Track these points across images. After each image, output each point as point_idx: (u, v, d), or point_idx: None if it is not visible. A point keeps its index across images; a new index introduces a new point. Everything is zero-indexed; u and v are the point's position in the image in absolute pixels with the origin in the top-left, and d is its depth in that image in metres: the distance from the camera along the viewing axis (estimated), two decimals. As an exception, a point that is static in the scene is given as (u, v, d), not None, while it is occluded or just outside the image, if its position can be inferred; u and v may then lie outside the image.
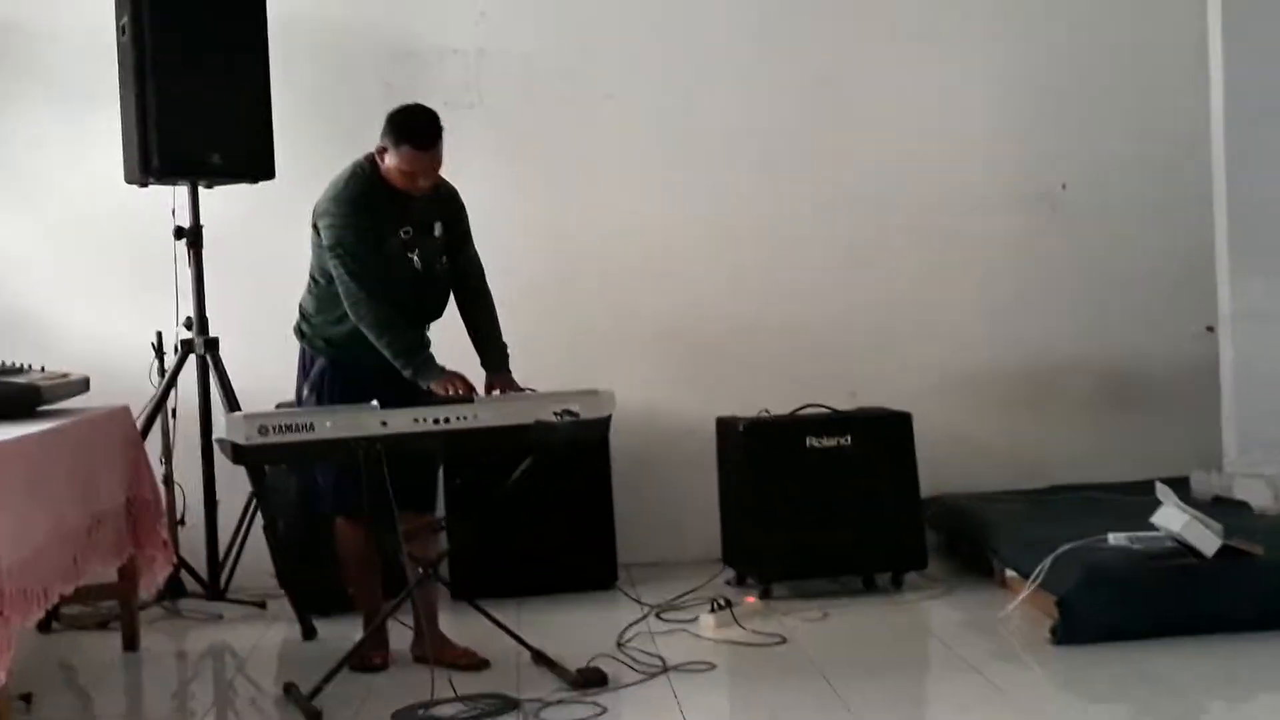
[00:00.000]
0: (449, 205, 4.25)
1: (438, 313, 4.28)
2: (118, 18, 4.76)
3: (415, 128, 4.02)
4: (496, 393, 4.12)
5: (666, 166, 5.69)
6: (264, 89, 4.84)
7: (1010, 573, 4.76)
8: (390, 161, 4.05)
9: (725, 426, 5.22)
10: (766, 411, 5.13)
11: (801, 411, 5.11)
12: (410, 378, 4.01)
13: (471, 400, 3.93)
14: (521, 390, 4.18)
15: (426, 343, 4.16)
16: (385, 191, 4.09)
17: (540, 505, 4.91)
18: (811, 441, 4.96)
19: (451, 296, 4.29)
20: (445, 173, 4.17)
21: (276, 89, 4.89)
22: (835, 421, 5.02)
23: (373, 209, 4.07)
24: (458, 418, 3.90)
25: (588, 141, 5.65)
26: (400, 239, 4.12)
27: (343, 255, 4.05)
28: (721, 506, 5.33)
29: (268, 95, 4.85)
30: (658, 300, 5.68)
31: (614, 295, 5.66)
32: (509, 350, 4.27)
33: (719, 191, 5.70)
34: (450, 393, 3.95)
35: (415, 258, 4.14)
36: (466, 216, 4.30)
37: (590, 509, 5.22)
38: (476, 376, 4.15)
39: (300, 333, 4.30)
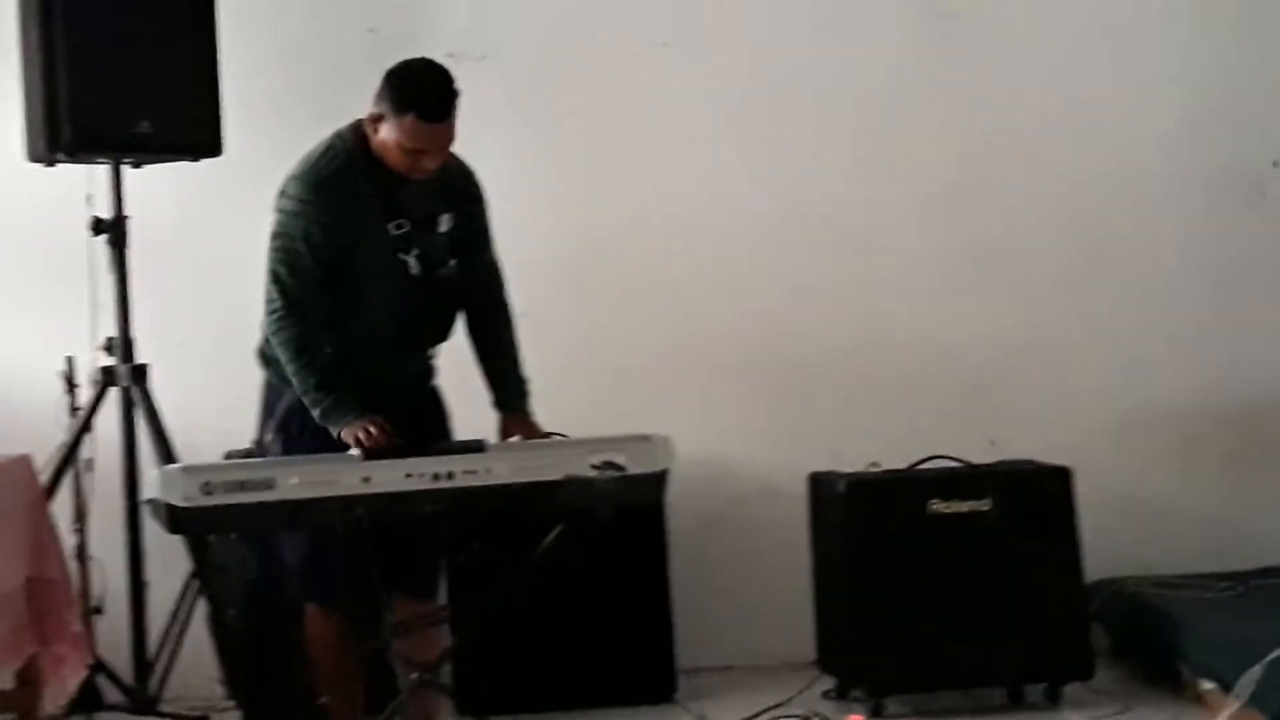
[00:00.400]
0: (462, 192, 4.22)
1: (443, 333, 4.26)
2: (15, -63, 4.78)
3: (423, 92, 4.00)
4: (515, 439, 4.10)
5: (736, 138, 5.68)
6: (209, 39, 4.82)
7: (1206, 684, 4.70)
8: (386, 134, 4.02)
9: (820, 485, 5.20)
10: (876, 465, 5.11)
11: (923, 465, 5.09)
12: (320, 422, 4.04)
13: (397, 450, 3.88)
14: (546, 435, 4.17)
15: (336, 380, 4.08)
16: (372, 172, 4.07)
17: (574, 590, 4.91)
18: (937, 506, 4.93)
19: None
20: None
21: (226, 40, 4.87)
22: (968, 479, 5.00)
23: (349, 194, 4.06)
24: (465, 472, 3.88)
25: (634, 105, 5.64)
26: (390, 235, 4.09)
27: (280, 252, 4.06)
28: (815, 592, 5.30)
29: (213, 47, 4.82)
30: (728, 315, 5.66)
31: (669, 308, 5.65)
32: (529, 383, 4.26)
33: (807, 172, 5.68)
34: (359, 442, 3.94)
35: (412, 260, 4.12)
36: (485, 208, 4.28)
37: (641, 595, 5.21)
38: (484, 422, 4.13)
39: (264, 358, 4.29)
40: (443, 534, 4.40)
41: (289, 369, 4.08)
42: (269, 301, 4.09)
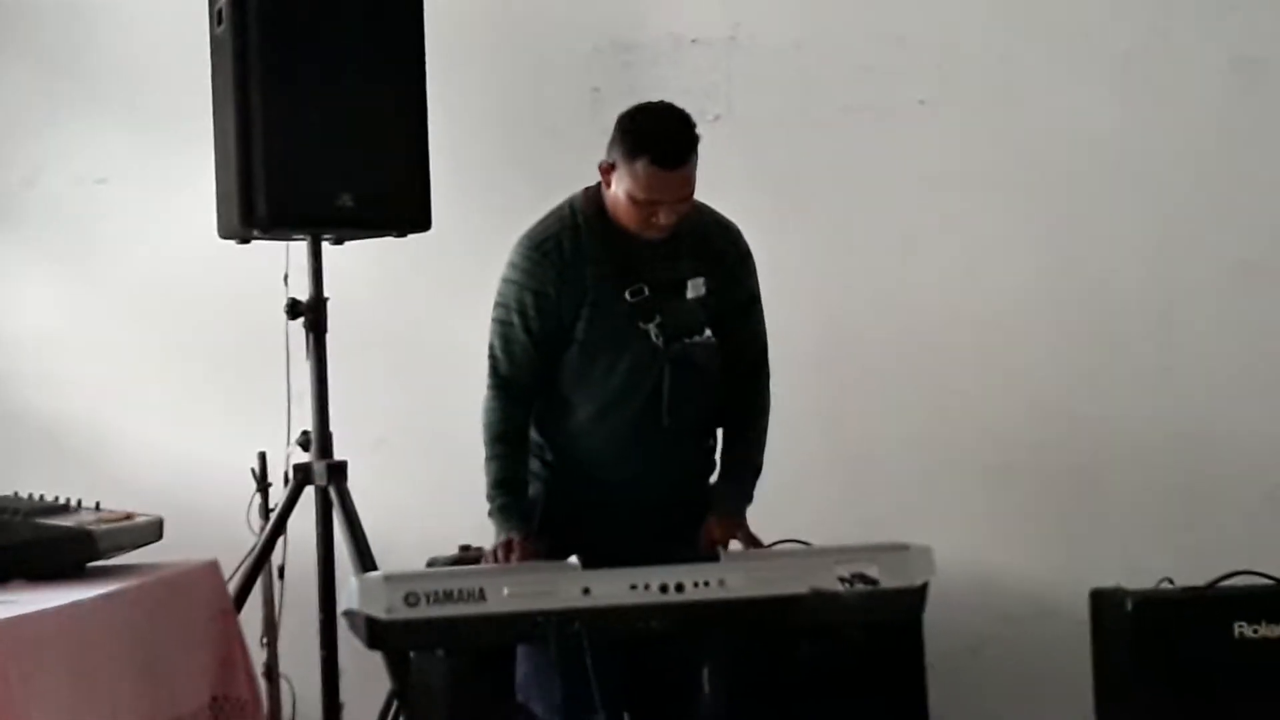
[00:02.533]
0: (718, 252, 4.21)
1: (691, 414, 4.20)
2: (211, 1, 4.91)
3: (658, 134, 4.00)
4: (725, 543, 4.10)
5: (1004, 206, 5.64)
6: (418, 104, 4.90)
7: None
8: (619, 186, 4.04)
9: (1105, 604, 5.10)
10: (1169, 582, 5.02)
11: (1225, 582, 4.98)
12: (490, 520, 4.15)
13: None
14: (756, 542, 4.15)
15: (517, 481, 4.17)
16: (603, 233, 4.10)
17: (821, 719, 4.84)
18: (1243, 629, 4.85)
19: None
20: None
21: (434, 104, 4.97)
22: (1280, 598, 4.90)
23: (571, 257, 4.09)
24: (696, 584, 3.85)
25: (885, 170, 5.64)
26: (627, 303, 4.11)
27: (495, 324, 4.16)
28: (1099, 727, 5.21)
29: (423, 113, 4.91)
30: (996, 407, 5.61)
31: (927, 399, 5.62)
32: (754, 480, 4.25)
33: (1089, 244, 5.62)
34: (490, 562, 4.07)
35: (653, 330, 4.13)
36: (749, 271, 4.27)
37: (895, 726, 5.15)
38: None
39: None
40: (694, 653, 4.34)
41: (484, 453, 4.16)
42: (486, 377, 4.18)
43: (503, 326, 4.15)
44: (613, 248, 4.08)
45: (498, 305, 4.16)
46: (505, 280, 4.15)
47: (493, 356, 4.17)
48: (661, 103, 4.10)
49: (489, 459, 4.16)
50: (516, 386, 4.15)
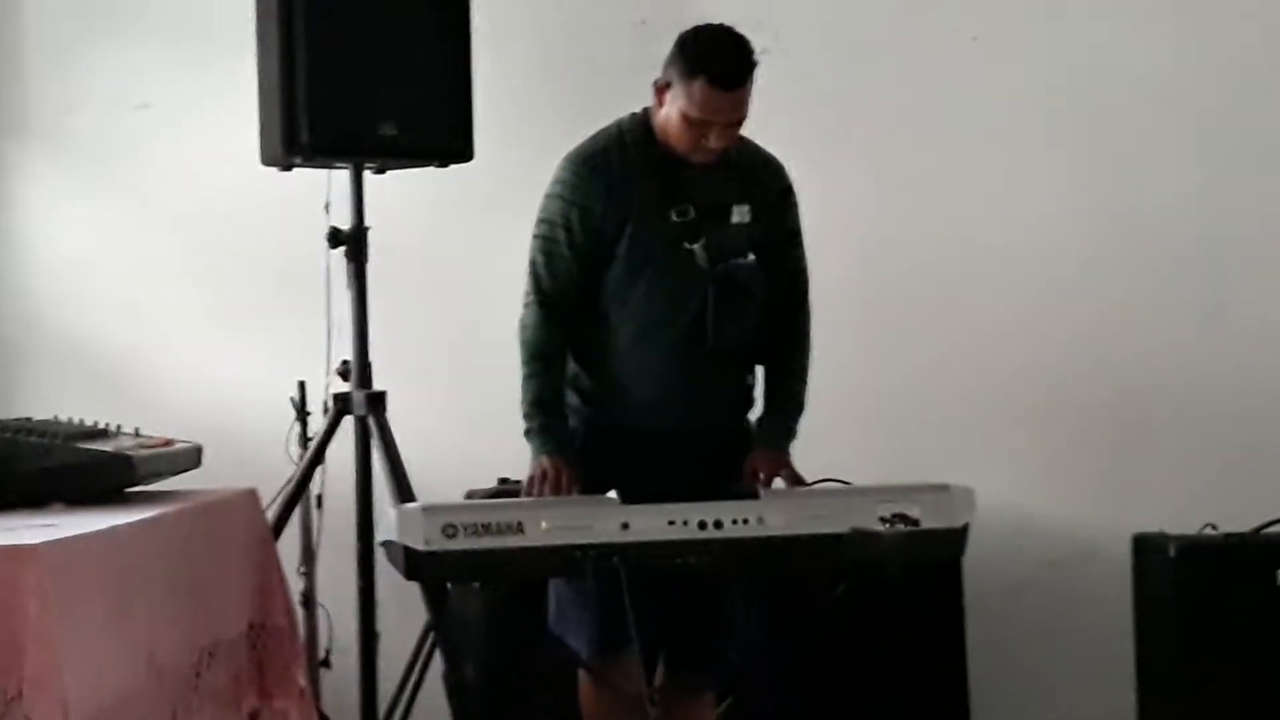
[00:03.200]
0: (763, 184, 4.23)
1: (734, 338, 4.17)
2: (257, -74, 4.91)
3: (717, 54, 4.03)
4: (769, 479, 4.13)
5: (1055, 143, 5.62)
6: (462, 33, 4.89)
7: None
8: (672, 106, 4.05)
9: (1146, 549, 5.12)
10: (1213, 528, 5.02)
11: (1269, 529, 5.00)
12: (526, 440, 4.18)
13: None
14: (803, 481, 4.15)
15: (555, 401, 4.20)
16: (651, 152, 4.11)
17: (857, 661, 4.90)
18: None
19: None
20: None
21: (479, 35, 4.94)
22: (1326, 545, 4.90)
23: (618, 175, 4.11)
24: (735, 521, 3.87)
25: (935, 107, 5.62)
26: (672, 222, 4.11)
27: (538, 240, 4.18)
28: (1139, 673, 5.22)
29: (467, 42, 4.89)
30: (1042, 348, 5.60)
31: (972, 339, 5.61)
32: (798, 416, 4.25)
33: (1139, 181, 5.59)
34: (528, 490, 4.10)
35: (698, 250, 4.12)
36: (793, 206, 4.29)
37: (933, 669, 5.17)
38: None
39: None
40: (730, 589, 4.37)
41: (521, 371, 4.18)
42: (524, 298, 4.20)
43: (545, 242, 4.15)
44: (660, 168, 4.09)
45: (541, 221, 4.17)
46: (549, 196, 4.15)
47: (534, 272, 4.17)
48: (722, 25, 4.13)
49: (527, 377, 4.18)
50: (557, 303, 4.16)
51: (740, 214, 4.16)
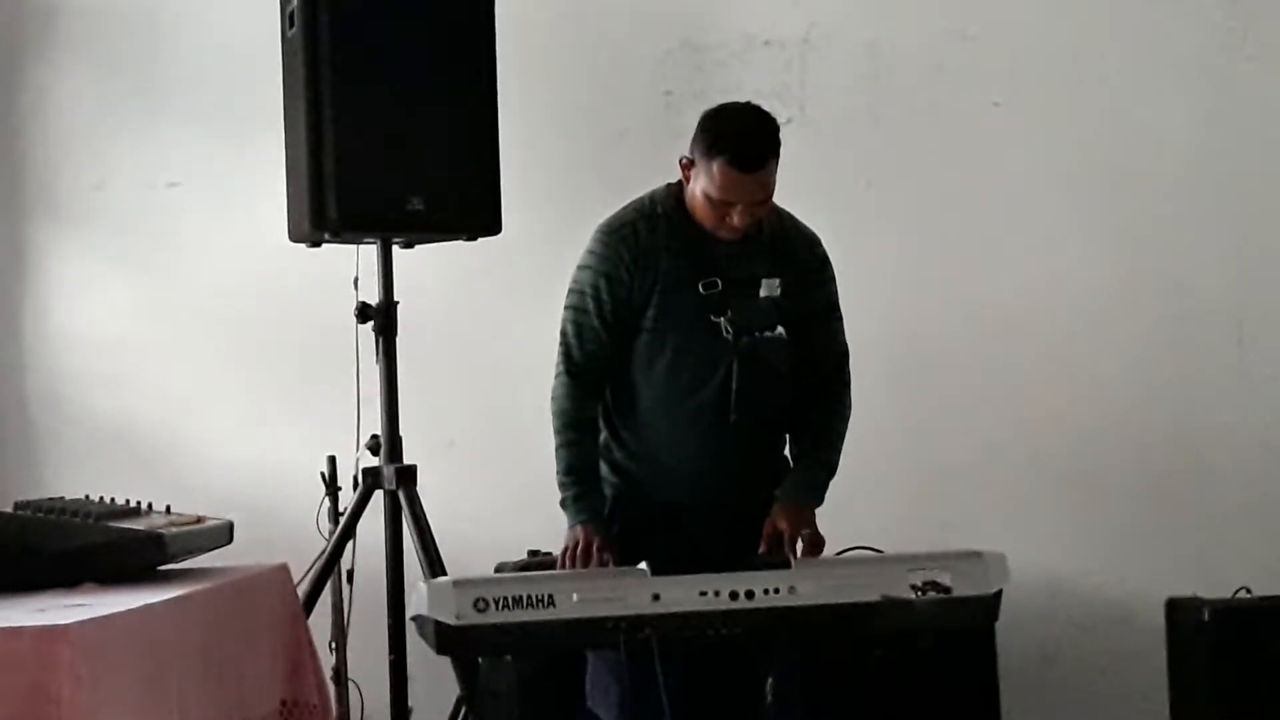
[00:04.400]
0: (795, 258, 4.21)
1: (759, 412, 4.16)
2: (283, 2, 4.89)
3: (737, 136, 4.00)
4: (791, 538, 4.07)
5: (1080, 208, 5.62)
6: (489, 107, 4.90)
7: None
8: (696, 183, 4.05)
9: (1180, 613, 5.08)
10: (1247, 591, 5.01)
11: (1308, 593, 4.97)
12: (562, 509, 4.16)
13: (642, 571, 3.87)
14: (822, 542, 4.11)
15: (591, 471, 4.18)
16: (681, 225, 4.11)
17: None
18: None
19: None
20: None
21: (505, 107, 4.98)
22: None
23: (646, 246, 4.10)
24: (766, 591, 3.86)
25: (959, 173, 5.63)
26: (698, 294, 4.12)
27: (568, 310, 4.17)
28: (1176, 741, 5.18)
29: (494, 115, 4.91)
30: (1070, 412, 5.58)
31: (1000, 404, 5.61)
32: (826, 478, 4.21)
33: (1165, 247, 5.59)
34: (563, 561, 4.07)
35: (723, 323, 4.14)
36: (827, 280, 4.27)
37: (967, 736, 5.14)
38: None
39: None
40: (762, 660, 4.28)
41: (554, 441, 4.17)
42: (556, 368, 4.19)
43: (576, 312, 4.16)
44: (689, 240, 4.08)
45: (571, 291, 4.17)
46: (580, 267, 4.16)
47: (565, 342, 4.18)
48: (746, 104, 4.11)
49: (560, 446, 4.17)
50: (587, 373, 4.16)
51: (769, 288, 4.15)
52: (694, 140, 4.03)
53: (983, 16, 5.63)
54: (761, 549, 4.05)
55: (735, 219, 4.00)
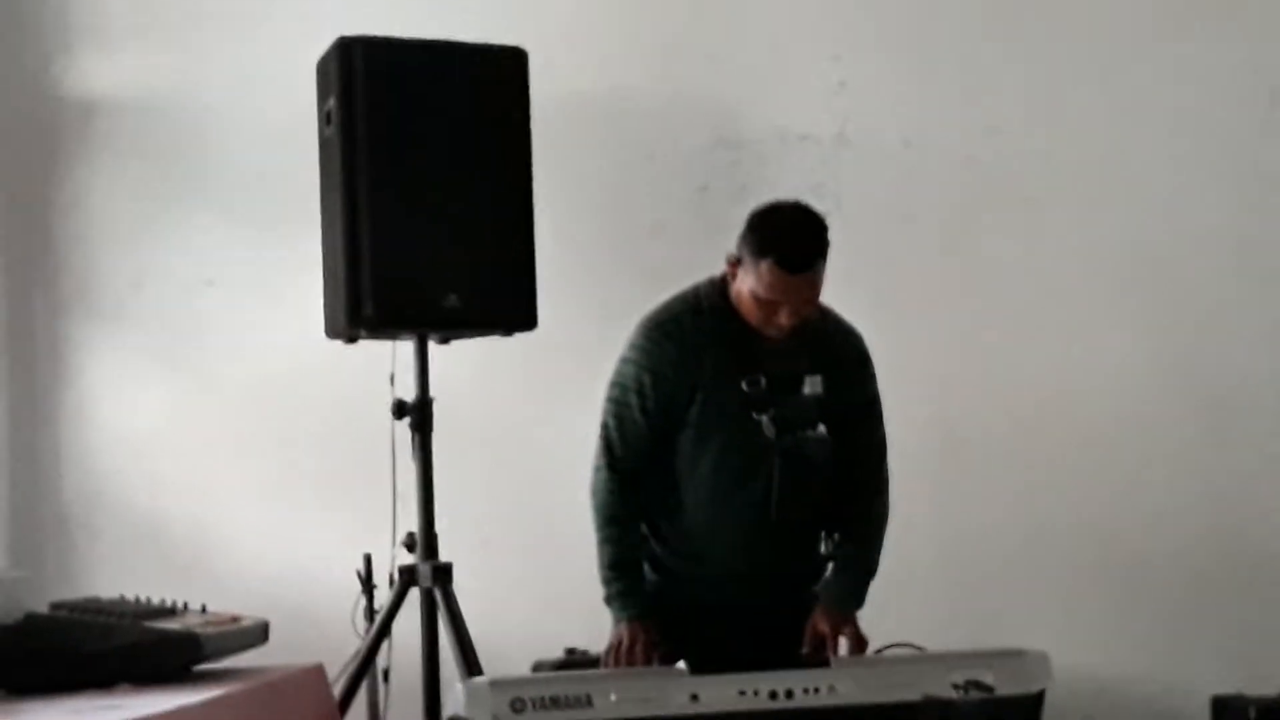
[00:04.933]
0: (837, 355, 4.22)
1: (801, 511, 4.17)
2: (320, 101, 4.94)
3: (785, 237, 4.01)
4: (833, 639, 4.08)
5: (1121, 298, 5.63)
6: (524, 203, 4.91)
7: None
8: (743, 281, 4.05)
9: (1226, 711, 5.02)
10: (1294, 688, 4.95)
11: (1359, 690, 4.92)
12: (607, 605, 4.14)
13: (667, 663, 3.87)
14: (866, 642, 4.12)
15: (634, 566, 4.18)
16: (726, 322, 4.11)
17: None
18: None
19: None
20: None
21: (541, 202, 4.99)
22: None
23: (692, 342, 4.10)
24: (806, 690, 3.82)
25: (996, 267, 5.65)
26: (742, 391, 4.10)
27: (610, 404, 4.17)
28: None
29: (529, 212, 4.91)
30: (1113, 510, 5.57)
31: (1041, 501, 5.60)
32: (867, 581, 4.22)
33: (1209, 344, 5.60)
34: (609, 658, 4.06)
35: (765, 421, 4.12)
36: (868, 378, 4.28)
37: (1010, 838, 5.05)
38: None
39: None
40: None
41: (596, 536, 4.16)
42: (594, 464, 4.19)
43: (618, 406, 4.15)
44: (733, 336, 4.08)
45: (614, 385, 4.17)
46: (624, 360, 4.16)
47: (606, 436, 4.17)
48: (795, 203, 4.10)
49: (602, 541, 4.16)
50: (629, 467, 4.15)
51: (813, 385, 4.15)
52: (741, 238, 4.02)
53: (1017, 110, 5.66)
54: (805, 651, 4.03)
55: (783, 318, 4.00)
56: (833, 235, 4.34)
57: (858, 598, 4.21)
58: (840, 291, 4.40)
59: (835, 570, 4.25)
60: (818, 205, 4.20)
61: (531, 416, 5.56)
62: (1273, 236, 5.56)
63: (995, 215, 5.64)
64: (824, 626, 4.12)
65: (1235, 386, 5.56)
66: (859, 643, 4.14)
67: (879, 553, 4.23)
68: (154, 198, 5.92)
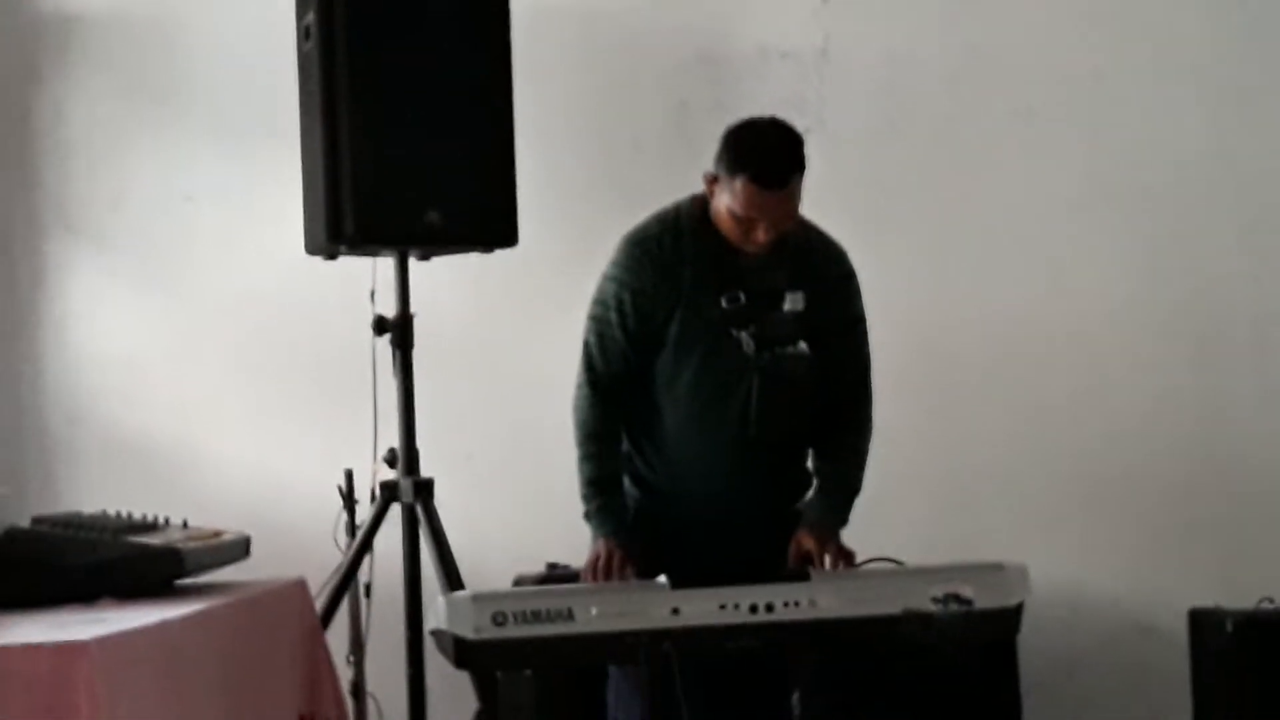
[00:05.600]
0: (819, 271, 4.20)
1: (781, 427, 4.16)
2: (299, 16, 4.90)
3: (761, 154, 3.98)
4: (818, 558, 4.09)
5: (1101, 217, 5.61)
6: (504, 119, 4.90)
7: None
8: (720, 199, 4.03)
9: (1203, 624, 5.07)
10: (1269, 601, 5.00)
11: (1330, 602, 4.95)
12: (585, 522, 4.15)
13: (661, 583, 3.88)
14: (853, 557, 4.12)
15: (613, 482, 4.19)
16: (705, 239, 4.09)
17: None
18: None
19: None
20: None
21: (522, 119, 4.97)
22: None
23: (670, 259, 4.09)
24: (786, 604, 3.85)
25: (983, 183, 5.62)
26: (721, 309, 4.11)
27: (591, 321, 4.17)
28: (1198, 752, 5.16)
29: (509, 128, 4.91)
30: (1092, 424, 5.57)
31: (1022, 416, 5.60)
32: (850, 499, 4.22)
33: (1193, 261, 5.58)
34: (588, 573, 4.07)
35: (745, 337, 4.12)
36: (852, 293, 4.25)
37: (989, 750, 5.12)
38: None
39: None
40: (786, 674, 4.32)
41: (576, 453, 4.17)
42: (578, 379, 4.19)
43: (599, 324, 4.15)
44: (713, 253, 4.07)
45: (595, 303, 4.17)
46: (605, 278, 4.16)
47: (587, 353, 4.17)
48: (771, 119, 4.07)
49: (583, 458, 4.17)
50: (610, 384, 4.15)
51: (793, 301, 4.13)
52: (718, 156, 4.00)
53: (1001, 28, 5.62)
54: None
55: (760, 235, 3.98)
56: (815, 152, 4.33)
57: (842, 515, 4.21)
58: (823, 208, 4.41)
59: (819, 488, 4.25)
60: (799, 122, 4.19)
61: (512, 333, 5.56)
62: (1251, 159, 5.55)
63: (978, 131, 5.62)
64: (808, 544, 4.13)
65: (1214, 306, 5.56)
66: (844, 559, 4.15)
67: (863, 470, 4.23)
68: (133, 115, 5.89)
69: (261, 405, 5.72)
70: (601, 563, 4.08)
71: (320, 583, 4.78)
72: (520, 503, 5.37)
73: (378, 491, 4.93)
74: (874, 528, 4.23)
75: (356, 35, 4.75)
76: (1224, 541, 5.44)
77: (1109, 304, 5.58)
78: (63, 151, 5.93)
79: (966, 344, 5.60)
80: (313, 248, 4.87)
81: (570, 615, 3.77)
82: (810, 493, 4.25)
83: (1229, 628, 4.86)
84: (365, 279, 4.99)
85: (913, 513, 5.25)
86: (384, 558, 4.97)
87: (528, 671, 4.83)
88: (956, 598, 3.87)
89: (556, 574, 5.06)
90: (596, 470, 4.15)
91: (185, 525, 4.30)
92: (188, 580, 4.05)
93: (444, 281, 5.14)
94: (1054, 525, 5.44)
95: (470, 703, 4.85)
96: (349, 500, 5.06)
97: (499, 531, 5.29)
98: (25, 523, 3.78)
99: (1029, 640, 4.85)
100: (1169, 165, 5.56)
